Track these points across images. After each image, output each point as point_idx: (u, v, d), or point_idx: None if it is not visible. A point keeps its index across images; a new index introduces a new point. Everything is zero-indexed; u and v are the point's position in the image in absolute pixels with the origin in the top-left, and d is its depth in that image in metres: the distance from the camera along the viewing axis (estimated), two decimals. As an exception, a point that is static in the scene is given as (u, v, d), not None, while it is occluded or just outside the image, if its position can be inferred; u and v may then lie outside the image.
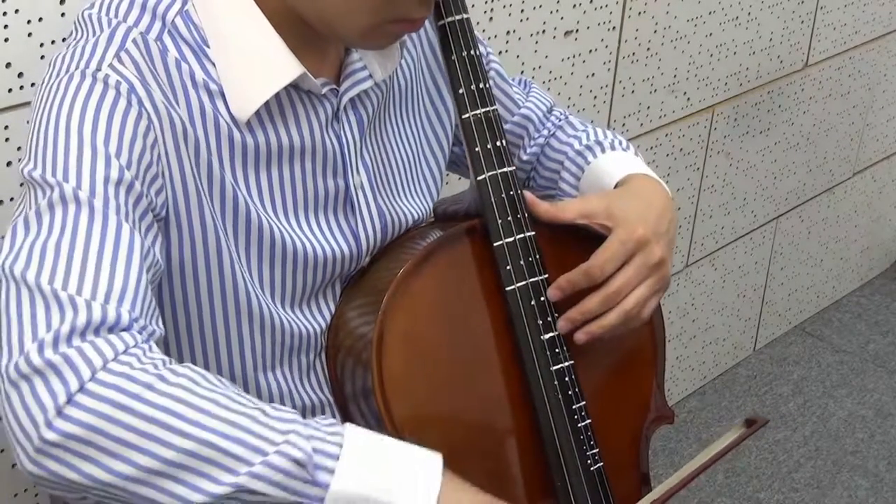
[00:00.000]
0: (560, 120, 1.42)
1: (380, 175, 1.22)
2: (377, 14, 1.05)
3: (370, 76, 1.17)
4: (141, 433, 0.88)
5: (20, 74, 1.41)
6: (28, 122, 1.41)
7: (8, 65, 1.39)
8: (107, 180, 0.98)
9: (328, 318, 1.21)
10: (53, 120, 1.01)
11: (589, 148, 1.35)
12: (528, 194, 1.19)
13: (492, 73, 1.36)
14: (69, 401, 0.88)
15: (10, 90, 1.41)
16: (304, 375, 1.20)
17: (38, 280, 0.93)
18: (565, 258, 1.20)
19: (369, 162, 1.20)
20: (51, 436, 0.87)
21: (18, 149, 1.43)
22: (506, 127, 1.38)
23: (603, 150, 1.34)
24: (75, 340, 0.90)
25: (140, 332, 0.94)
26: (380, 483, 0.93)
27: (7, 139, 1.42)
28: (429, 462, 0.97)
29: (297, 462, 0.91)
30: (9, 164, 1.44)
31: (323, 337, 1.20)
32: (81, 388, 0.88)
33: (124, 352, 0.91)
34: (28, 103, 1.42)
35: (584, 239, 1.21)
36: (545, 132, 1.41)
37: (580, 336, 1.17)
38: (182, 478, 0.89)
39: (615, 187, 1.28)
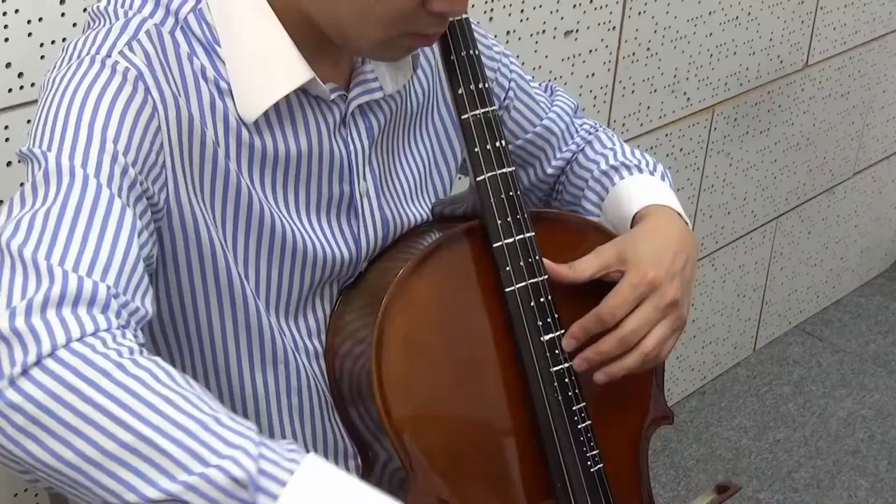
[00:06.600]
0: (590, 134, 1.41)
1: (386, 184, 1.22)
2: (391, 27, 1.05)
3: (381, 88, 1.17)
4: (86, 419, 0.86)
5: (20, 74, 1.41)
6: (28, 120, 1.42)
7: (8, 65, 1.39)
8: (101, 159, 0.98)
9: (315, 331, 1.20)
10: (56, 102, 1.01)
11: (615, 168, 1.35)
12: (547, 261, 1.18)
13: (512, 85, 1.35)
14: (24, 372, 0.86)
15: (10, 90, 1.41)
16: (291, 383, 1.20)
17: (21, 248, 0.92)
18: (566, 258, 1.21)
19: (377, 171, 1.20)
20: (0, 405, 0.86)
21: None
22: (526, 137, 1.38)
23: (630, 172, 1.34)
24: (47, 312, 0.88)
25: (118, 313, 0.92)
26: None
27: (7, 139, 1.42)
28: None
29: (236, 481, 0.85)
30: (9, 164, 1.44)
31: (305, 358, 1.20)
32: (38, 362, 0.86)
33: (92, 333, 0.89)
34: (28, 103, 1.43)
35: (583, 237, 1.23)
36: (573, 146, 1.40)
37: (600, 376, 1.18)
38: (118, 473, 0.86)
39: (633, 218, 1.28)
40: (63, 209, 0.95)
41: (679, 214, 1.29)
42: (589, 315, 1.17)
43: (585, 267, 1.20)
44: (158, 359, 0.92)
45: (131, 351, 0.90)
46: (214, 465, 0.86)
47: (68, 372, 0.87)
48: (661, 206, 1.29)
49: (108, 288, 0.92)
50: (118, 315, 0.92)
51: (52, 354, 0.87)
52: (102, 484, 0.87)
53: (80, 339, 0.88)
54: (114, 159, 0.99)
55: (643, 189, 1.31)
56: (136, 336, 0.93)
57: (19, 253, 0.92)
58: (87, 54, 1.03)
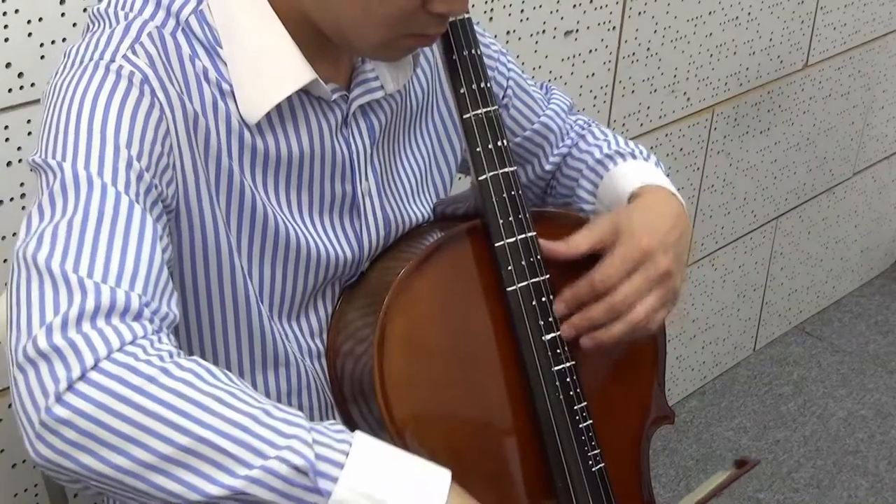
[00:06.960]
0: (583, 129, 1.42)
1: (388, 183, 1.22)
2: (392, 28, 1.05)
3: (382, 87, 1.17)
4: (139, 426, 0.87)
5: (20, 74, 1.41)
6: (28, 120, 1.42)
7: (8, 65, 1.39)
8: (116, 166, 0.98)
9: (317, 330, 1.20)
10: (66, 110, 1.00)
11: (609, 157, 1.35)
12: (542, 240, 1.18)
13: (510, 83, 1.35)
14: (70, 387, 0.87)
15: (10, 90, 1.41)
16: (291, 383, 1.20)
17: (49, 261, 0.92)
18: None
19: (379, 170, 1.20)
20: (49, 421, 0.86)
21: (19, 149, 1.43)
22: (525, 134, 1.38)
23: (624, 159, 1.34)
24: (84, 326, 0.89)
25: (151, 320, 0.93)
26: (382, 495, 0.91)
27: (7, 139, 1.42)
28: (437, 477, 0.95)
29: (298, 469, 0.89)
30: (9, 164, 1.43)
31: (307, 358, 1.20)
32: (83, 376, 0.87)
33: (131, 342, 0.90)
34: (28, 103, 1.42)
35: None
36: (568, 141, 1.41)
37: (586, 341, 1.17)
38: (179, 475, 0.88)
39: (629, 197, 1.28)
40: (85, 219, 0.95)
41: (673, 195, 1.29)
42: (581, 282, 1.17)
43: (580, 241, 1.19)
44: (198, 358, 0.93)
45: (171, 355, 0.91)
46: (274, 457, 0.88)
47: (115, 382, 0.88)
48: (656, 186, 1.29)
49: (140, 297, 0.93)
50: (151, 321, 0.93)
51: (95, 367, 0.88)
52: (163, 487, 0.88)
53: (120, 349, 0.89)
54: (129, 165, 0.99)
55: (638, 172, 1.32)
56: (170, 340, 0.94)
57: (47, 266, 0.92)
58: (91, 60, 1.03)
